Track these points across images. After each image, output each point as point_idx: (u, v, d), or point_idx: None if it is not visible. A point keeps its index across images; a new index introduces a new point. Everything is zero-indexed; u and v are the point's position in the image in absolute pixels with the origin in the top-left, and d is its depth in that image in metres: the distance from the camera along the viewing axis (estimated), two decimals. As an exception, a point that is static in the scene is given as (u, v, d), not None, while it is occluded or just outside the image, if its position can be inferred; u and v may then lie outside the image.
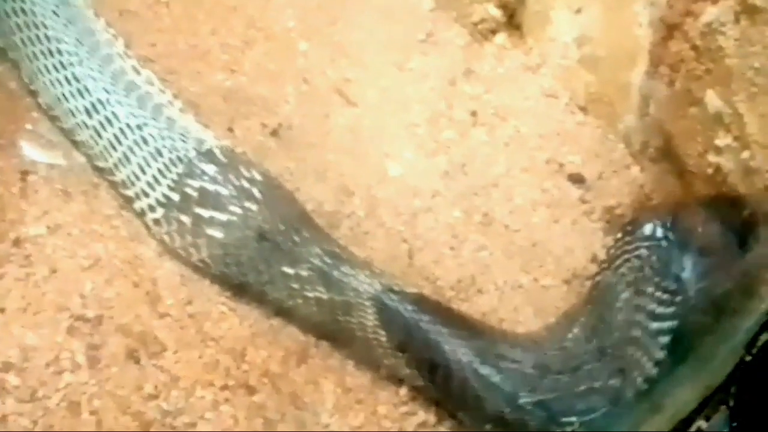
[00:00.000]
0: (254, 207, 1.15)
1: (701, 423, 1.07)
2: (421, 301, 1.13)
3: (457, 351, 1.08)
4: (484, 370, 1.08)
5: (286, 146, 1.35)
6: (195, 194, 1.16)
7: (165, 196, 1.17)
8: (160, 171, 1.18)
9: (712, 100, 1.19)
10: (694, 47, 1.22)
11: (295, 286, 1.14)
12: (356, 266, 1.14)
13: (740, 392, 1.06)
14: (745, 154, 1.15)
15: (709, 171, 1.20)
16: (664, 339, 1.09)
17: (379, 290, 1.12)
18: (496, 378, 1.08)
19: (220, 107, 1.36)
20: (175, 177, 1.17)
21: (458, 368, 1.08)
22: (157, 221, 1.19)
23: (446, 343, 1.09)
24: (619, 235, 1.20)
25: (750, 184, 1.15)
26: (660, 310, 1.10)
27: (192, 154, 1.17)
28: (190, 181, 1.16)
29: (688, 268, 1.11)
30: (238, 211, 1.15)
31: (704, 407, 1.08)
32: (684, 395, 1.12)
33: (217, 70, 1.41)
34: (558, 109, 1.46)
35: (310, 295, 1.13)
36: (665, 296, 1.10)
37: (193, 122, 1.22)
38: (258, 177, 1.18)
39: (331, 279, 1.13)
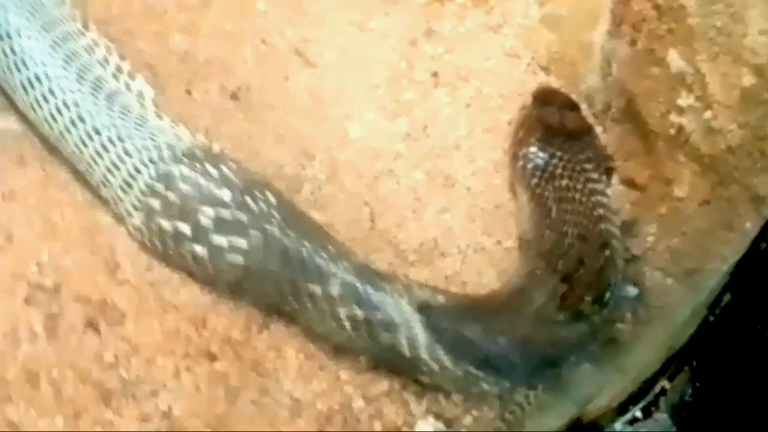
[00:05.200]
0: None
1: (665, 383, 1.08)
2: (458, 305, 1.15)
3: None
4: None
5: (245, 109, 1.34)
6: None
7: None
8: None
9: (675, 59, 1.18)
10: (656, 6, 1.21)
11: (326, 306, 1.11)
12: (388, 280, 1.12)
13: (703, 353, 1.07)
14: (707, 114, 1.14)
15: (672, 131, 1.19)
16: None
17: (420, 304, 1.11)
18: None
19: (177, 69, 1.34)
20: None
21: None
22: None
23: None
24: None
25: (712, 143, 1.14)
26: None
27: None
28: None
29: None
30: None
31: (668, 368, 1.09)
32: (647, 356, 1.13)
33: (174, 31, 1.38)
34: (520, 69, 1.44)
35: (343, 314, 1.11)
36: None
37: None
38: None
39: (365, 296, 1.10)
